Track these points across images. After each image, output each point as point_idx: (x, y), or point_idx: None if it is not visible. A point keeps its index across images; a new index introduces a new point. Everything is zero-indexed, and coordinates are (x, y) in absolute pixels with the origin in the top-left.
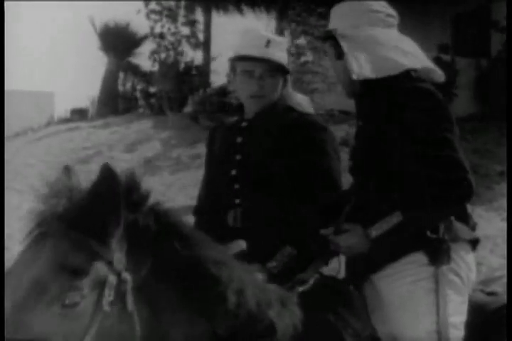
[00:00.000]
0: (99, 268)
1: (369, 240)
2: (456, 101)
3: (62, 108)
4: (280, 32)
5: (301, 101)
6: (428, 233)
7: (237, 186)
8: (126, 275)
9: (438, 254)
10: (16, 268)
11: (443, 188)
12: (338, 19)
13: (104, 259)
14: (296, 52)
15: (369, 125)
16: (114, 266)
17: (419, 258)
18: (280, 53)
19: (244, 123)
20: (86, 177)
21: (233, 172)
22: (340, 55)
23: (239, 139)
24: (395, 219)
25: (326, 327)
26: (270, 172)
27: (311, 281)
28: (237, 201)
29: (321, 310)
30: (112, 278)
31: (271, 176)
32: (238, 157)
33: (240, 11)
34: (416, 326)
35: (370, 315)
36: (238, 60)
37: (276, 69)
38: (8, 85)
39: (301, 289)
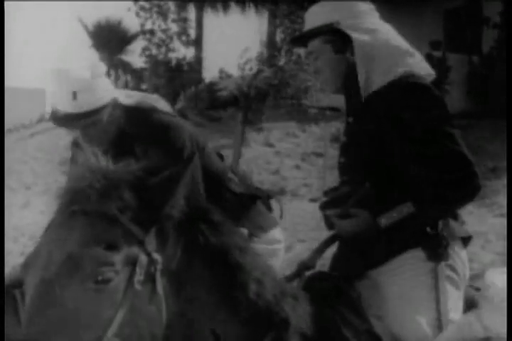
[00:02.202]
0: (132, 245)
1: (378, 228)
2: (447, 98)
3: None
4: (273, 30)
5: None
6: (428, 229)
7: None
8: (157, 256)
9: (437, 250)
10: (46, 244)
11: (453, 184)
12: (328, 12)
13: (136, 238)
14: (287, 50)
15: (361, 122)
16: (145, 246)
17: (417, 254)
18: (95, 94)
19: None
20: None
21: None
22: (339, 49)
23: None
24: (405, 209)
25: (325, 322)
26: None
27: (308, 273)
28: None
29: (319, 305)
30: (143, 258)
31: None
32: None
33: (226, 9)
34: (417, 322)
35: (367, 310)
36: None
37: (101, 110)
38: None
39: (308, 274)
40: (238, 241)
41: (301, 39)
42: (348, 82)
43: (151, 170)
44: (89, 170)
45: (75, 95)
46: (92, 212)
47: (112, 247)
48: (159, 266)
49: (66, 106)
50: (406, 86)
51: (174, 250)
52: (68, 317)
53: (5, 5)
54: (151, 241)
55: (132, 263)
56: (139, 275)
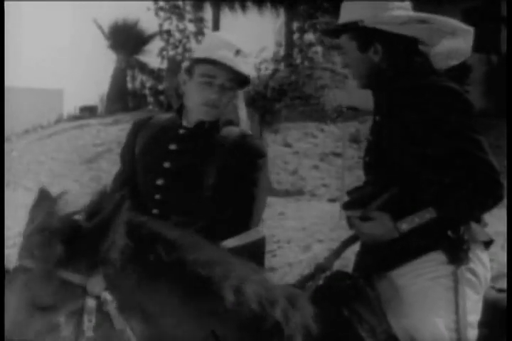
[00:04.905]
0: (75, 297)
1: (398, 233)
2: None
3: (71, 105)
4: (289, 29)
5: (243, 118)
6: (449, 233)
7: (157, 196)
8: (106, 296)
9: (458, 254)
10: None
11: (476, 192)
12: (356, 9)
13: (78, 286)
14: (304, 47)
15: (388, 122)
16: (90, 290)
17: (437, 256)
18: (245, 66)
19: (182, 131)
20: (95, 174)
21: (159, 181)
22: (365, 47)
23: (172, 146)
24: (427, 215)
25: (341, 322)
26: (197, 191)
27: (326, 273)
28: (155, 211)
29: (336, 305)
30: (91, 303)
31: (198, 195)
32: (167, 165)
33: (243, 9)
34: (435, 324)
35: (386, 311)
36: (200, 62)
37: (238, 82)
38: (18, 83)
39: (323, 276)
40: (201, 256)
41: (333, 32)
42: (374, 80)
43: (86, 215)
44: (31, 222)
45: (237, 53)
46: (30, 269)
47: (51, 308)
48: (113, 304)
49: (221, 56)
50: (435, 88)
51: (134, 280)
52: None
53: (28, 6)
54: (97, 283)
55: (79, 311)
56: (88, 322)
